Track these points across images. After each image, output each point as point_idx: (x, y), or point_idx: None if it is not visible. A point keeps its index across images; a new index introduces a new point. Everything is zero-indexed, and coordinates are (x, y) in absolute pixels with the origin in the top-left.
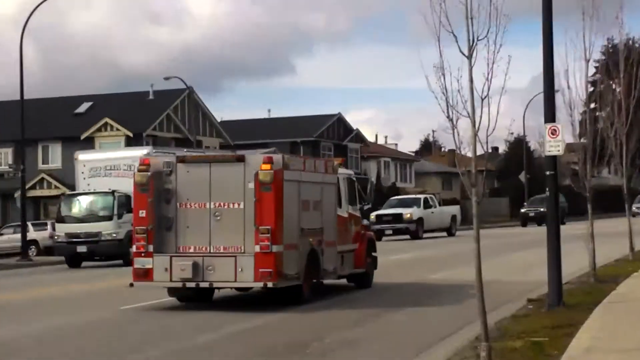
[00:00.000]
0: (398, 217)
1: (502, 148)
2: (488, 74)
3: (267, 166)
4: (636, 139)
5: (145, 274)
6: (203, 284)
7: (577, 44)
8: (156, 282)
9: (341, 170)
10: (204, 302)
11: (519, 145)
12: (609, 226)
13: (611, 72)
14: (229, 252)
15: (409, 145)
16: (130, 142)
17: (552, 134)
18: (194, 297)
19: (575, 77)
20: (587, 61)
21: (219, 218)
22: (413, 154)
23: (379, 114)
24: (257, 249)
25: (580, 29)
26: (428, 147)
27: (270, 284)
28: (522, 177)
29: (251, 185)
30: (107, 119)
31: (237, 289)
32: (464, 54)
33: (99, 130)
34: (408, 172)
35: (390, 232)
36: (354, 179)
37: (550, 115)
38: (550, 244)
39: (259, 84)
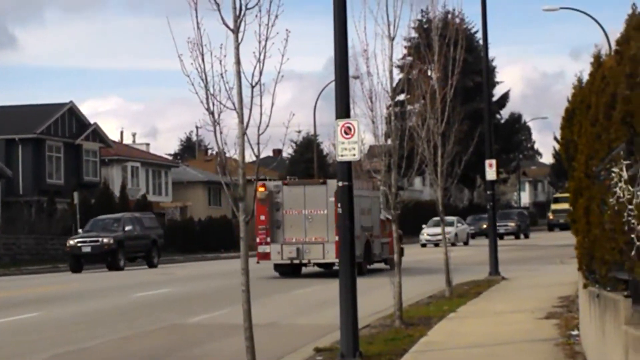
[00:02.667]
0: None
1: (288, 151)
2: (260, 53)
3: None
4: (454, 141)
5: (265, 256)
6: (304, 261)
7: (379, 17)
8: (273, 260)
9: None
10: (296, 275)
11: (309, 147)
12: (421, 252)
13: (425, 54)
14: (318, 241)
15: (167, 146)
16: None
17: (346, 133)
18: (289, 273)
19: (377, 60)
20: (392, 39)
21: (310, 220)
22: (171, 157)
23: (125, 104)
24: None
25: None
26: (191, 149)
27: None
28: None
29: (331, 199)
30: None
31: (323, 265)
32: (228, 27)
33: None
34: (164, 182)
35: None
36: None
37: (343, 108)
38: (343, 277)
39: None
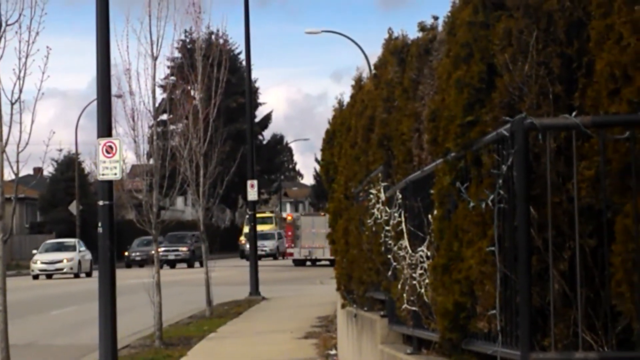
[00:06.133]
0: None
1: (49, 169)
2: (20, 70)
3: None
4: (217, 161)
5: (291, 254)
6: (312, 257)
7: (142, 36)
8: (295, 257)
9: None
10: (304, 266)
11: (70, 166)
12: (189, 272)
13: (188, 74)
14: (321, 247)
15: None
16: None
17: (108, 152)
18: (300, 264)
19: (140, 79)
20: (155, 59)
21: (316, 235)
22: None
23: None
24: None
25: (145, 16)
26: None
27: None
28: (73, 207)
29: (327, 223)
30: None
31: (322, 260)
32: None
33: None
34: None
35: None
36: None
37: (105, 127)
38: (102, 297)
39: None
